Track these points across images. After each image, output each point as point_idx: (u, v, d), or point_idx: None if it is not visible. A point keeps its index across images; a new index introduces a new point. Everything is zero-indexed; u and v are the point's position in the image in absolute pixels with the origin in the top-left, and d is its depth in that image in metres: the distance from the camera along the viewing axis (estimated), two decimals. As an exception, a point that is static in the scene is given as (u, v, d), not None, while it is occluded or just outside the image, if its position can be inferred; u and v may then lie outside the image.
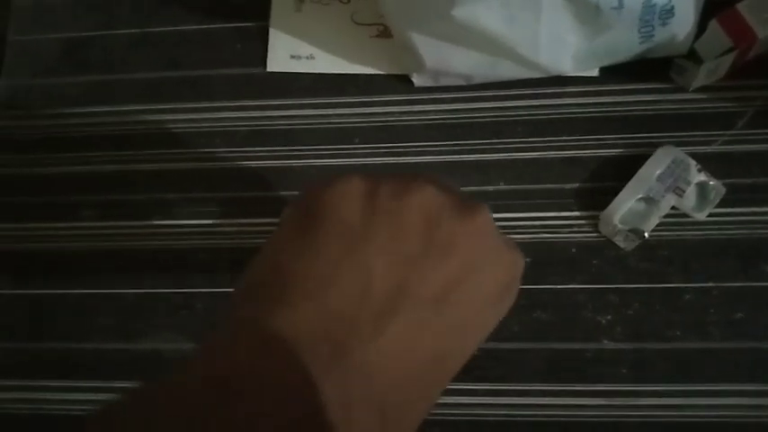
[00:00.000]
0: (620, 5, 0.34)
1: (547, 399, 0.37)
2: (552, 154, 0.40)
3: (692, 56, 0.38)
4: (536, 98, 0.40)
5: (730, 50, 0.36)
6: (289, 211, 0.21)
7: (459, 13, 0.34)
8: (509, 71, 0.39)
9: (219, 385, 0.16)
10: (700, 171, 0.37)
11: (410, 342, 0.18)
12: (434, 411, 0.37)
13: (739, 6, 0.35)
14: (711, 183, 0.37)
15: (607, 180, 0.39)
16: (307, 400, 0.16)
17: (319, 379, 0.16)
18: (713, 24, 0.36)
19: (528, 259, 0.38)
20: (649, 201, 0.37)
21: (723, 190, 0.37)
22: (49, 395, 0.41)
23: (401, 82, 0.42)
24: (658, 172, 0.37)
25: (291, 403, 0.16)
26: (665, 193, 0.37)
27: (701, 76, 0.37)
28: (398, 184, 0.20)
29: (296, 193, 0.42)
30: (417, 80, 0.41)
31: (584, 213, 0.39)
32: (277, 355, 0.17)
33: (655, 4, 0.35)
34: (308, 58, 0.43)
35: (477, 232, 0.20)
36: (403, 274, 0.19)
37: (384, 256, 0.19)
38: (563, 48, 0.38)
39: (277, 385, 0.16)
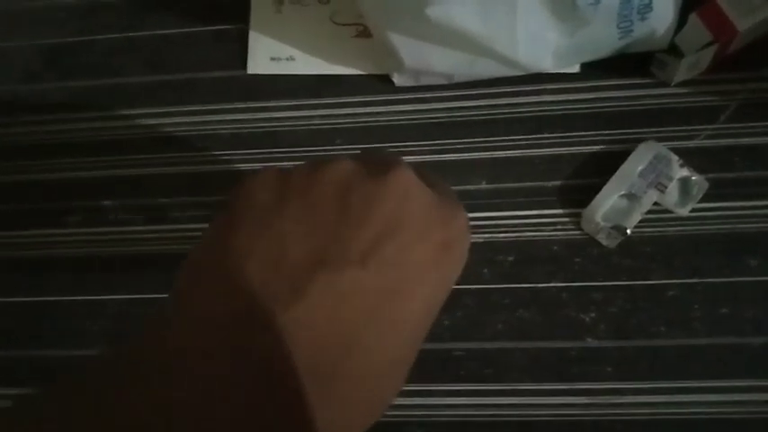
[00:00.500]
0: (597, 1, 0.34)
1: (531, 398, 0.37)
2: (534, 152, 0.39)
3: (673, 50, 0.37)
4: (517, 96, 0.40)
5: (711, 44, 0.35)
6: (217, 209, 0.22)
7: (433, 12, 0.34)
8: (489, 69, 0.39)
9: (142, 360, 0.18)
10: (682, 166, 0.37)
11: (338, 302, 0.18)
12: (417, 413, 0.37)
13: (718, -1, 0.35)
14: (694, 178, 0.37)
15: (589, 177, 0.38)
16: (227, 365, 0.17)
17: (239, 347, 0.17)
18: (693, 18, 0.36)
19: (510, 258, 0.38)
20: (631, 197, 0.37)
21: (706, 185, 0.37)
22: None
23: (382, 82, 0.41)
24: (640, 168, 0.37)
25: (213, 370, 0.17)
26: (647, 189, 0.37)
27: (683, 71, 0.37)
28: (311, 165, 0.21)
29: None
30: (398, 80, 0.41)
31: (567, 211, 0.38)
32: (201, 333, 0.18)
33: (632, -1, 0.34)
34: (288, 59, 0.42)
35: (396, 192, 0.20)
36: (319, 240, 0.19)
37: (298, 226, 0.19)
38: (542, 45, 0.37)
39: (200, 362, 0.17)
